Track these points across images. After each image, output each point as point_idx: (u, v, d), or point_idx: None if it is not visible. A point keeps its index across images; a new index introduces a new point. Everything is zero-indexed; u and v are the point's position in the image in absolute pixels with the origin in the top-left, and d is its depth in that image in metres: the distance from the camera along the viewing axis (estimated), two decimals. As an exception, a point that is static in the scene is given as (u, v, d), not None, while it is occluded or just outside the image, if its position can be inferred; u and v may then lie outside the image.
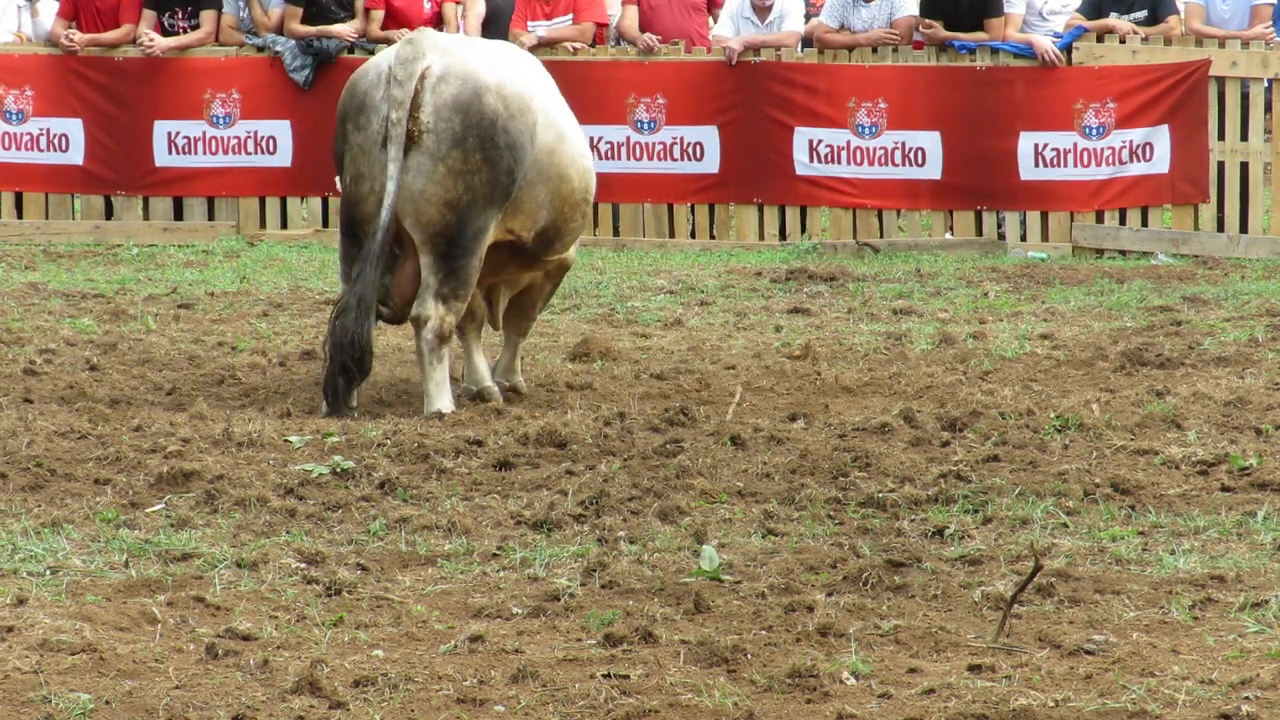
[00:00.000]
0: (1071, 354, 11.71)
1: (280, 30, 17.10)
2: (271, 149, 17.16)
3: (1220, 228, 16.47)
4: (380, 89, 9.80)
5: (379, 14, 17.08)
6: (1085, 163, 16.52)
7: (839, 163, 16.72)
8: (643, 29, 17.20)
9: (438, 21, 17.35)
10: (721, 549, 7.45)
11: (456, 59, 9.86)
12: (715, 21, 17.52)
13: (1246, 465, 8.63)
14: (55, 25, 17.28)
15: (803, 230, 16.84)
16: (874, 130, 16.63)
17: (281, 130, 17.15)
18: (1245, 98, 16.36)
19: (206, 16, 17.22)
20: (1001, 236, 16.73)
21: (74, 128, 17.19)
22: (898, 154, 16.66)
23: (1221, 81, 16.35)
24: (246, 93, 17.15)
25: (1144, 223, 16.61)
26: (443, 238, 9.79)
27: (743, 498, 8.30)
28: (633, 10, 17.31)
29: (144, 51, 17.11)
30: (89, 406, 9.88)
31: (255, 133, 17.19)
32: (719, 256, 16.29)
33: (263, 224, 17.30)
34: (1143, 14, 16.73)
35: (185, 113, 17.19)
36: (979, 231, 16.76)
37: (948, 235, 16.86)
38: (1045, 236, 16.68)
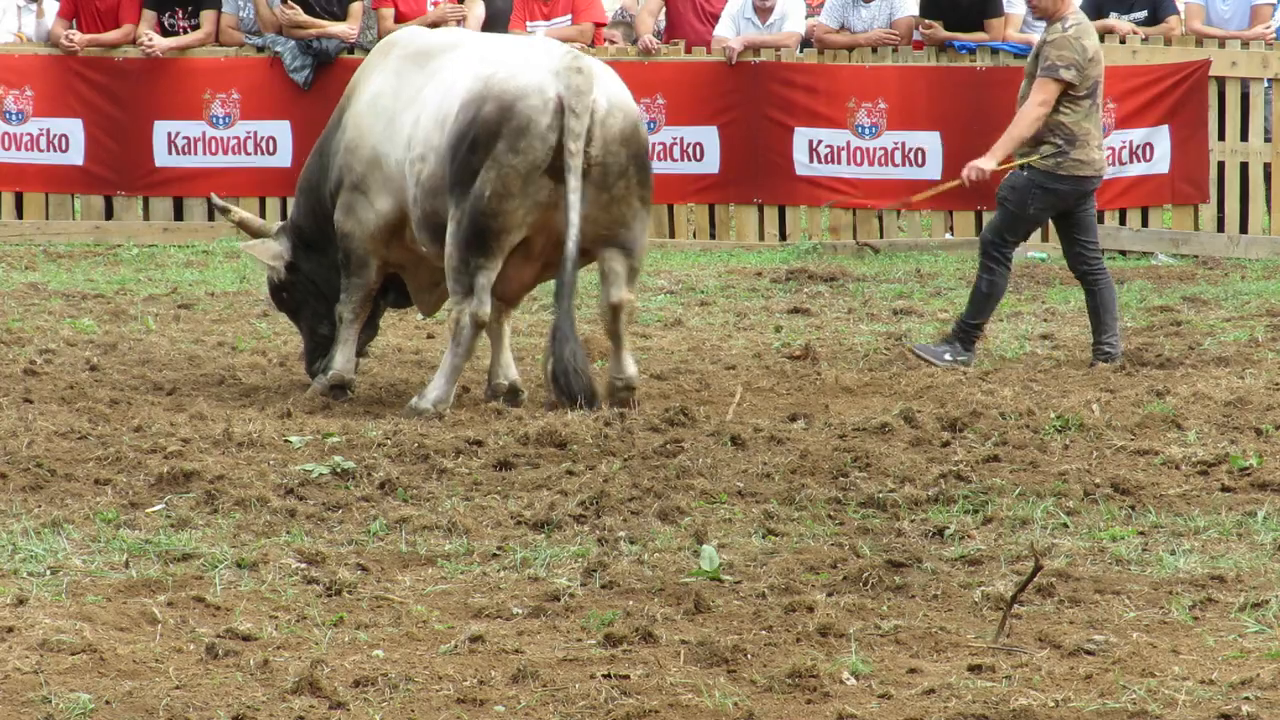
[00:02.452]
0: (1071, 354, 11.71)
1: (281, 30, 17.10)
2: (271, 149, 17.16)
3: (1220, 228, 16.47)
4: (547, 116, 9.75)
5: (389, 12, 17.10)
6: (1085, 163, 16.49)
7: (839, 163, 16.72)
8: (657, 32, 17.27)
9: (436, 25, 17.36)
10: (721, 549, 7.45)
11: (615, 89, 9.97)
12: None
13: (1246, 465, 8.63)
14: (55, 25, 17.27)
15: (820, 213, 16.80)
16: (874, 130, 16.63)
17: (281, 130, 17.14)
18: (1245, 98, 16.36)
19: (206, 16, 17.22)
20: (1007, 237, 16.71)
21: (74, 128, 17.19)
22: (898, 154, 16.66)
23: (1221, 81, 16.35)
24: (246, 93, 17.15)
25: (1144, 223, 16.61)
26: (629, 235, 10.02)
27: (743, 498, 8.30)
28: (652, 6, 17.33)
29: (144, 52, 17.11)
30: (89, 406, 9.88)
31: (255, 133, 17.18)
32: (719, 256, 16.29)
33: (263, 224, 17.29)
34: (1143, 14, 16.73)
35: (185, 113, 17.18)
36: (979, 231, 16.73)
37: (948, 235, 16.86)
38: (1045, 237, 16.64)
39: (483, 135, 9.77)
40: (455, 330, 9.92)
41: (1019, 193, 11.45)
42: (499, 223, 9.79)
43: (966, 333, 11.47)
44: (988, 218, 16.71)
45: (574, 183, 9.70)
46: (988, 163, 11.47)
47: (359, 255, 10.33)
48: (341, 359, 10.44)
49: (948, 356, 11.33)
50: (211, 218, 17.26)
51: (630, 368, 10.14)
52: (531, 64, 9.94)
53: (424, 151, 9.99)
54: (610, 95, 9.87)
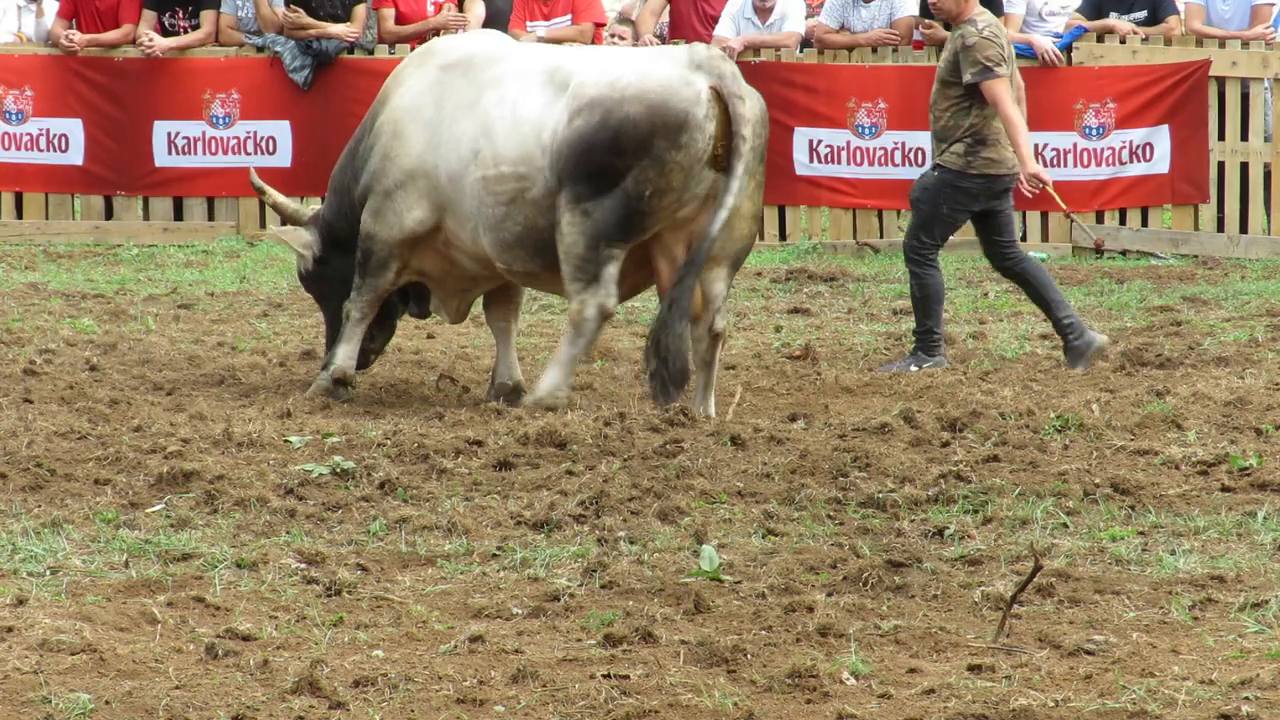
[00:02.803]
0: (1071, 354, 11.69)
1: (281, 30, 17.10)
2: (271, 149, 17.15)
3: (1220, 228, 16.47)
4: (701, 107, 9.78)
5: (390, 12, 17.11)
6: (1085, 163, 16.52)
7: (839, 163, 16.72)
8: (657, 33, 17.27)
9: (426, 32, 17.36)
10: (721, 549, 7.45)
11: (738, 73, 10.08)
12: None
13: (1246, 465, 8.63)
14: (55, 25, 17.27)
15: (819, 212, 16.81)
16: (874, 130, 16.63)
17: (281, 131, 17.14)
18: (1245, 98, 16.36)
19: (206, 16, 17.22)
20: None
21: (74, 128, 17.19)
22: (898, 154, 16.66)
23: (1221, 82, 16.35)
24: (246, 93, 17.15)
25: (1144, 223, 16.61)
26: (745, 251, 10.16)
27: (743, 498, 8.30)
28: (655, 5, 17.34)
29: (144, 52, 17.11)
30: (89, 406, 9.88)
31: (255, 133, 17.17)
32: (719, 257, 16.26)
33: (263, 224, 17.27)
34: (1143, 14, 16.72)
35: (185, 113, 17.18)
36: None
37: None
38: (1045, 237, 16.68)
39: (631, 137, 9.76)
40: (578, 321, 9.90)
41: (931, 193, 11.49)
42: (650, 219, 9.84)
43: (923, 340, 11.48)
44: (987, 218, 16.79)
45: (739, 169, 9.81)
46: (1032, 166, 11.42)
47: (380, 258, 10.28)
48: (344, 355, 10.42)
49: (914, 368, 11.29)
50: (211, 218, 17.27)
51: (711, 404, 10.13)
52: (659, 60, 10.00)
53: (524, 171, 9.92)
54: (740, 78, 10.00)
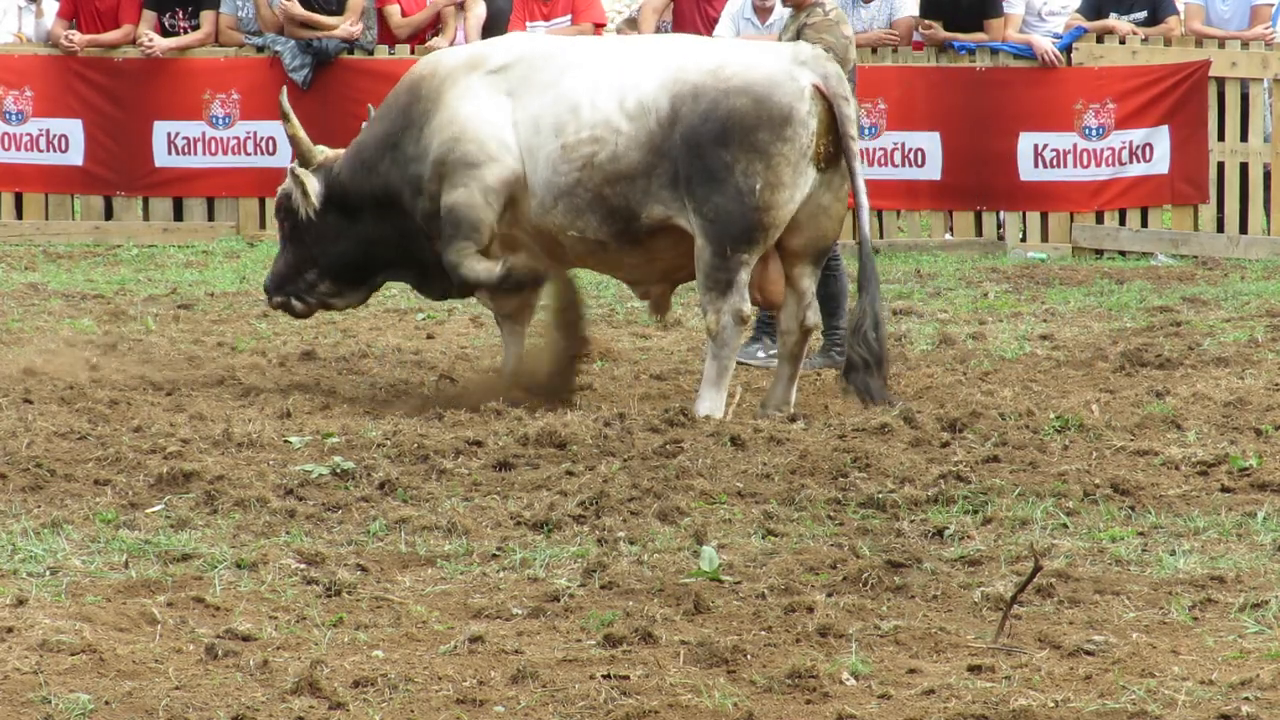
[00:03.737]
0: (1071, 355, 11.71)
1: (281, 30, 17.10)
2: (271, 149, 17.15)
3: (1220, 228, 16.47)
4: (804, 103, 9.84)
5: (394, 9, 17.12)
6: (1085, 163, 16.52)
7: (838, 163, 16.70)
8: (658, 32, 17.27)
9: (436, 23, 17.37)
10: (721, 549, 7.45)
11: (842, 75, 10.17)
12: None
13: (1246, 466, 8.63)
14: (55, 25, 17.27)
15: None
16: (874, 131, 16.63)
17: (281, 131, 17.11)
18: (1245, 98, 16.36)
19: (206, 17, 17.22)
20: (1001, 237, 16.74)
21: (74, 128, 17.19)
22: (897, 154, 16.66)
23: (1221, 82, 16.35)
24: (246, 93, 17.16)
25: (1144, 223, 16.61)
26: (828, 249, 10.30)
27: (742, 498, 8.30)
28: (657, 4, 17.35)
29: (144, 52, 17.11)
30: (89, 407, 9.88)
31: (255, 133, 17.18)
32: (719, 257, 16.26)
33: (262, 224, 17.29)
34: (1142, 14, 16.73)
35: (185, 113, 17.18)
36: (979, 232, 16.76)
37: (947, 236, 16.86)
38: (1045, 237, 16.68)
39: (736, 127, 9.81)
40: (717, 332, 9.93)
41: None
42: (770, 216, 9.86)
43: (830, 336, 11.54)
44: (987, 218, 16.81)
45: (858, 166, 9.94)
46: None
47: (474, 218, 10.23)
48: (480, 270, 10.35)
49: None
50: (211, 218, 17.27)
51: (794, 396, 10.21)
52: (766, 53, 10.07)
53: (600, 134, 9.99)
54: None
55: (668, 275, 10.36)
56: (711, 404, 9.96)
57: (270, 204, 17.24)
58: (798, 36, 11.43)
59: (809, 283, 10.14)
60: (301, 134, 10.73)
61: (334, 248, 10.61)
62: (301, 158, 10.72)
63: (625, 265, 10.29)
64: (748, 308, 9.96)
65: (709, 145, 9.83)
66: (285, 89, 11.43)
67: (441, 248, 10.33)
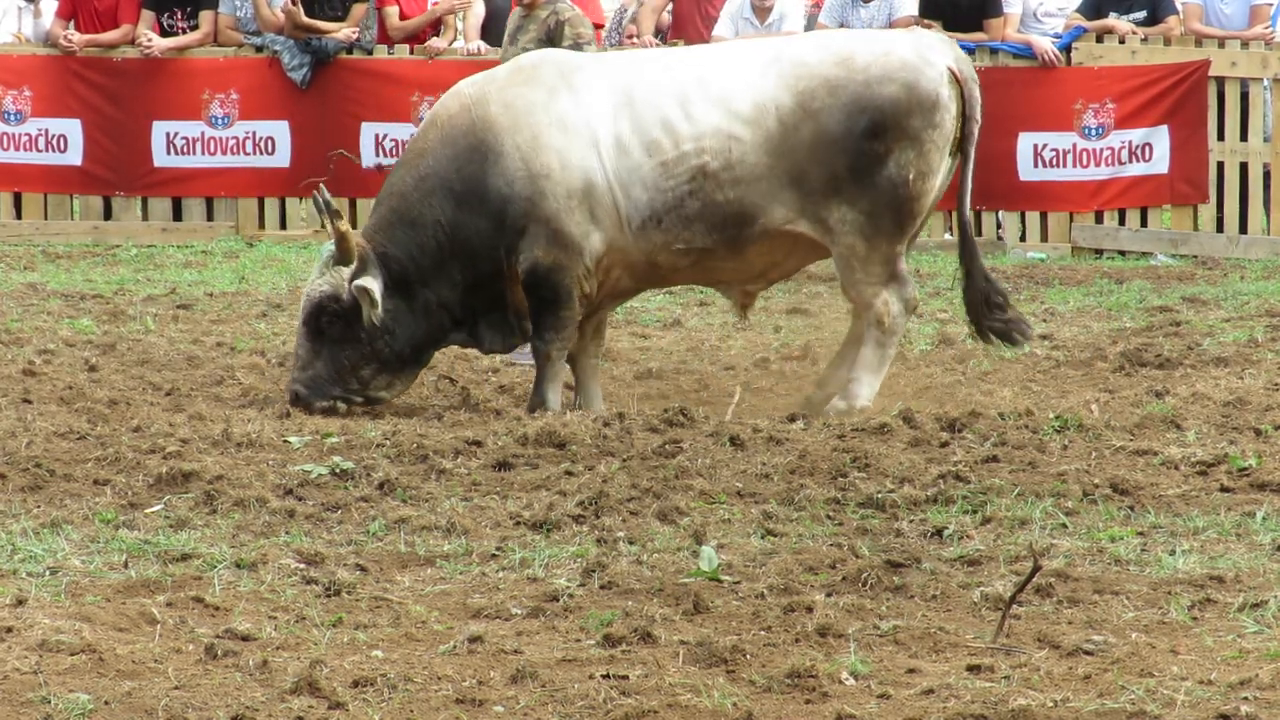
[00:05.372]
0: (1071, 354, 11.71)
1: (280, 30, 17.11)
2: (270, 149, 17.16)
3: (1220, 228, 16.48)
4: (945, 87, 9.87)
5: (393, 10, 17.14)
6: (1084, 163, 16.53)
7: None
8: (659, 31, 17.28)
9: (436, 24, 17.38)
10: (721, 549, 7.45)
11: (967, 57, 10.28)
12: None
13: (1246, 466, 8.63)
14: (54, 25, 17.28)
15: None
16: (873, 130, 16.61)
17: (280, 131, 17.15)
18: (1245, 98, 16.36)
19: (205, 17, 17.23)
20: (1000, 237, 16.74)
21: (72, 128, 17.20)
22: (897, 154, 16.65)
23: (1221, 82, 16.35)
24: (245, 93, 17.16)
25: (1143, 223, 16.62)
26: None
27: (742, 498, 8.29)
28: (656, 3, 17.36)
29: (142, 52, 17.11)
30: (88, 407, 9.88)
31: (254, 133, 17.19)
32: (718, 257, 16.26)
33: (261, 224, 17.31)
34: (1142, 14, 16.74)
35: (184, 113, 17.19)
36: (978, 232, 16.74)
37: (947, 235, 16.86)
38: (1044, 237, 16.69)
39: (891, 117, 9.79)
40: (885, 321, 9.94)
41: None
42: (921, 204, 9.93)
43: None
44: (986, 218, 16.81)
45: (973, 152, 10.00)
46: None
47: (567, 287, 9.93)
48: (555, 397, 10.06)
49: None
50: (210, 218, 17.27)
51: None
52: (889, 39, 10.07)
53: (709, 144, 9.81)
54: None
55: (764, 274, 10.29)
56: (870, 390, 9.99)
57: (269, 203, 17.30)
58: (547, 34, 11.47)
59: (904, 263, 10.10)
60: (349, 229, 9.96)
61: (400, 333, 9.97)
62: (344, 256, 9.91)
63: (727, 270, 10.14)
64: (915, 293, 10.07)
65: (857, 138, 9.77)
66: (323, 185, 10.30)
67: (533, 312, 9.96)
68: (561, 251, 9.88)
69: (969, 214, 10.16)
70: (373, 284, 9.84)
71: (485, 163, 9.92)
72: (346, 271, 9.90)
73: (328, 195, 9.99)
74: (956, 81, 9.88)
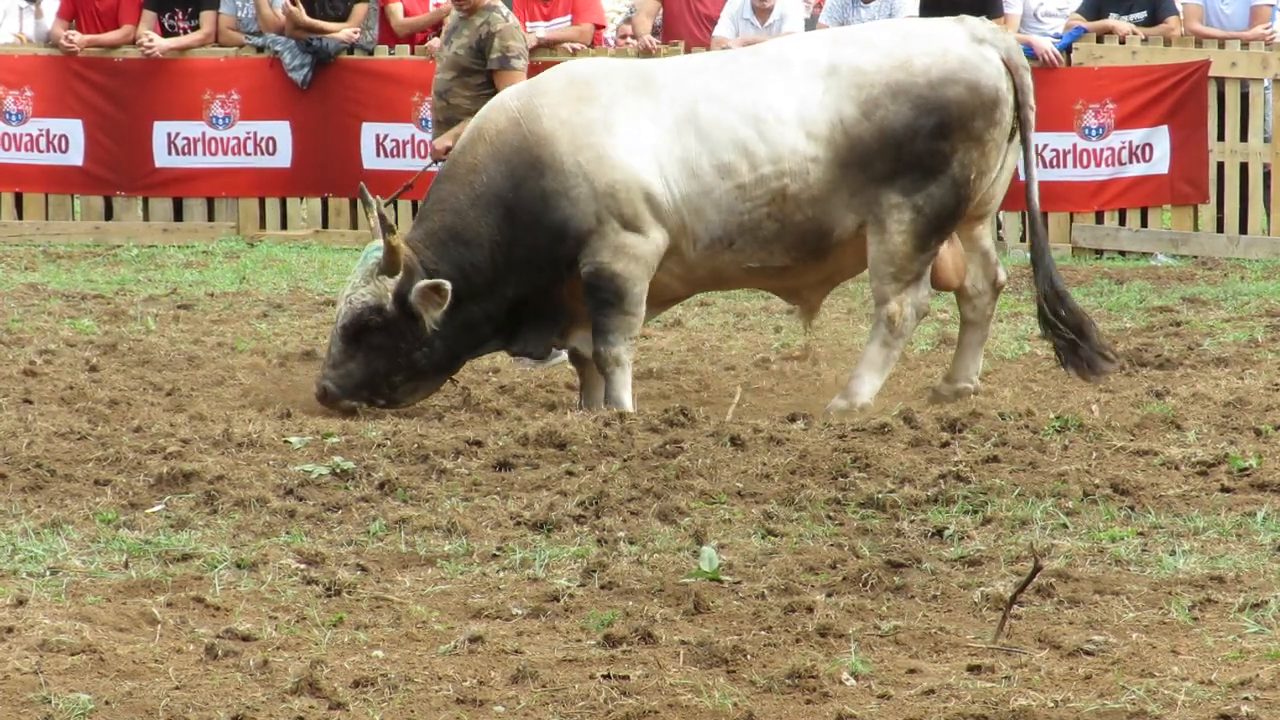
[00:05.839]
0: (1071, 354, 11.69)
1: (281, 30, 17.12)
2: (271, 150, 17.17)
3: (1220, 228, 16.48)
4: (1003, 80, 9.90)
5: (398, 7, 17.16)
6: (1085, 163, 16.53)
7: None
8: (654, 33, 17.29)
9: (438, 23, 17.37)
10: (721, 549, 7.45)
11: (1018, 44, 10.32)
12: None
13: (1246, 466, 8.63)
14: (55, 26, 17.29)
15: None
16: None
17: (281, 131, 17.15)
18: (1245, 98, 16.37)
19: (206, 17, 17.23)
20: (1000, 237, 16.73)
21: (74, 128, 17.21)
22: (897, 154, 16.65)
23: (1221, 82, 16.36)
24: (246, 93, 17.17)
25: (1143, 223, 16.62)
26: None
27: (742, 498, 8.29)
28: (650, 7, 17.37)
29: (144, 52, 17.12)
30: (89, 407, 9.88)
31: (255, 133, 17.20)
32: (718, 257, 16.26)
33: (262, 224, 17.32)
34: (1142, 14, 16.74)
35: (185, 113, 17.20)
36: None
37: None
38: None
39: (957, 119, 9.81)
40: (896, 321, 9.98)
41: None
42: (971, 204, 9.99)
43: None
44: (987, 218, 16.79)
45: (1031, 136, 10.02)
46: (444, 141, 11.60)
47: (636, 294, 9.89)
48: (629, 398, 10.01)
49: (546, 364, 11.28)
50: (211, 218, 17.28)
51: (980, 362, 10.34)
52: (942, 37, 10.01)
53: (789, 167, 9.79)
54: None
55: (830, 279, 10.33)
56: (871, 388, 10.03)
57: (270, 204, 17.30)
58: (478, 42, 11.51)
59: (989, 241, 10.21)
60: (401, 243, 9.83)
61: (439, 346, 9.88)
62: (391, 268, 9.78)
63: (795, 280, 10.15)
64: (929, 301, 10.10)
65: (923, 139, 9.79)
66: (380, 201, 10.17)
67: (596, 317, 9.91)
68: (628, 260, 9.86)
69: (1037, 204, 10.18)
70: (446, 284, 9.71)
71: (544, 179, 9.85)
72: (391, 282, 9.81)
73: (382, 207, 9.92)
74: (1009, 71, 9.92)
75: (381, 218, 9.77)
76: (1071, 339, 10.08)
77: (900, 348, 10.10)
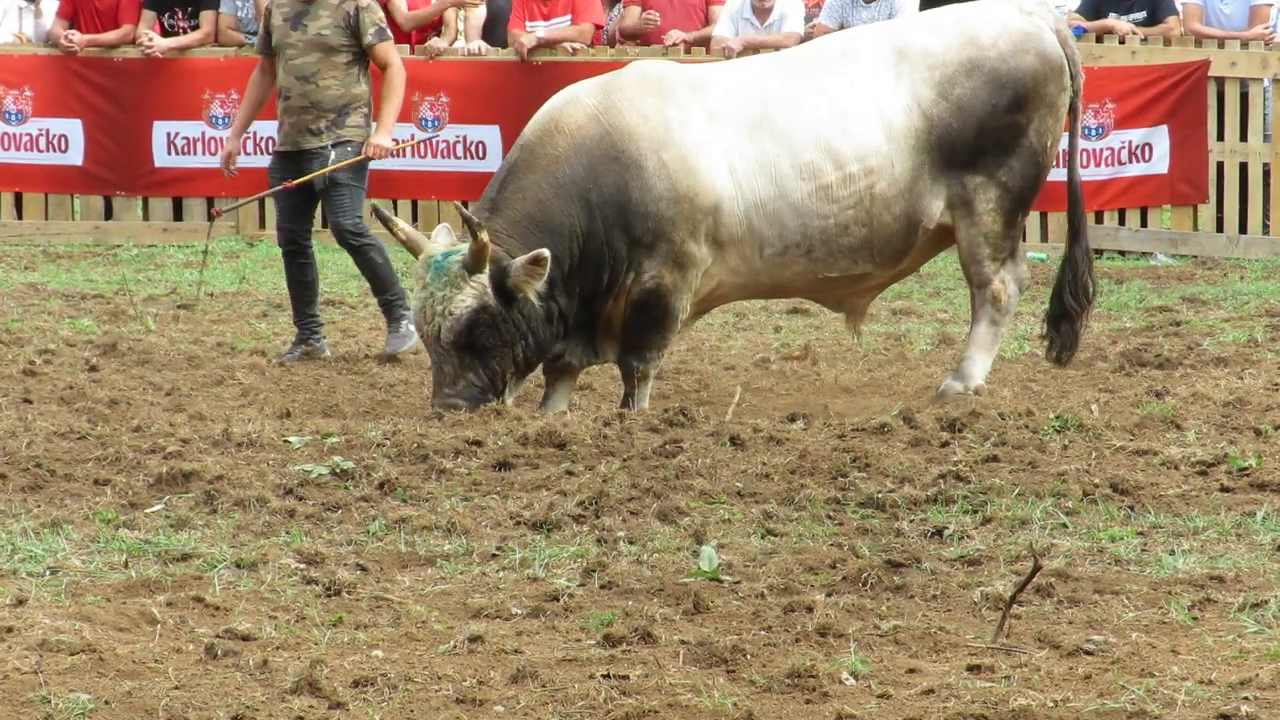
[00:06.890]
0: (1071, 354, 11.70)
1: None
2: (271, 149, 17.16)
3: (1219, 228, 16.49)
4: (1061, 50, 9.99)
5: (402, 2, 17.17)
6: (1084, 163, 16.51)
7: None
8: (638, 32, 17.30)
9: (438, 23, 17.38)
10: (721, 549, 7.45)
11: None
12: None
13: (1246, 466, 8.63)
14: (54, 26, 17.29)
15: None
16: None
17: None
18: (1244, 98, 16.37)
19: (206, 17, 17.24)
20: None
21: (73, 128, 17.21)
22: (897, 154, 16.65)
23: (1221, 82, 16.36)
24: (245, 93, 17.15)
25: (1143, 223, 16.63)
26: None
27: (742, 498, 8.29)
28: (635, 10, 17.37)
29: (143, 52, 17.12)
30: (89, 407, 9.88)
31: (254, 133, 17.16)
32: (718, 257, 16.26)
33: (262, 224, 17.31)
34: (1142, 14, 16.74)
35: (184, 113, 17.20)
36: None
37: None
38: (1045, 237, 16.68)
39: (1031, 86, 9.87)
40: (1002, 299, 10.02)
41: (355, 170, 11.74)
42: (1049, 171, 10.08)
43: (389, 308, 11.79)
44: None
45: (1080, 109, 10.17)
46: (387, 139, 11.75)
47: (681, 308, 9.85)
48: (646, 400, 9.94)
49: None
50: (211, 218, 17.27)
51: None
52: (998, 10, 10.05)
53: (874, 164, 9.74)
54: None
55: (885, 285, 10.37)
56: (983, 369, 10.08)
57: (269, 203, 17.28)
58: (345, 21, 11.56)
59: (1021, 241, 10.25)
60: (412, 232, 9.81)
61: (533, 340, 9.68)
62: (479, 266, 9.55)
63: (866, 284, 10.10)
64: (1029, 275, 10.20)
65: (1001, 112, 9.83)
66: (460, 205, 10.16)
67: (637, 332, 9.86)
68: (680, 274, 9.79)
69: (1079, 179, 10.29)
70: (544, 251, 9.52)
71: (626, 174, 9.75)
72: (483, 277, 9.62)
73: (469, 212, 9.70)
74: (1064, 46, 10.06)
75: (468, 219, 9.54)
76: (1075, 309, 10.11)
77: (1006, 324, 10.18)
